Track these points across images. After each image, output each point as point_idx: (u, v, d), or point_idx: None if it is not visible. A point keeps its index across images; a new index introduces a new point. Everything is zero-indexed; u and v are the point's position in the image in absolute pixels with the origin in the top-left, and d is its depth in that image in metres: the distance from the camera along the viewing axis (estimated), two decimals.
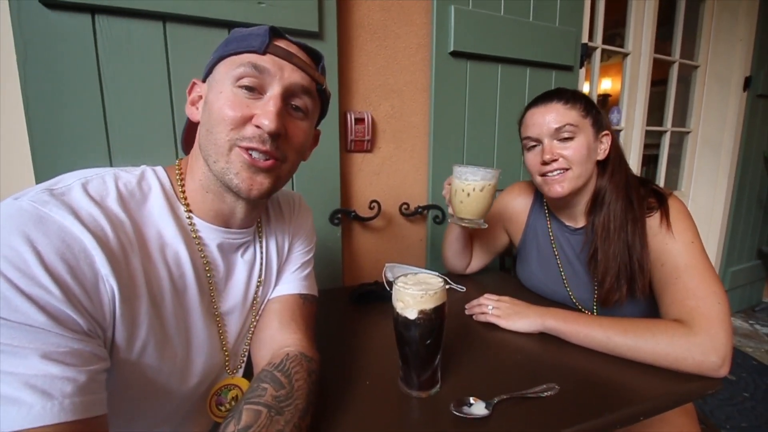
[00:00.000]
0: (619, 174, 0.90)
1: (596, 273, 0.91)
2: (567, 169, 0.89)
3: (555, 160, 0.89)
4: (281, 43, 0.56)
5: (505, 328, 0.87)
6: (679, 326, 0.72)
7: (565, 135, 0.88)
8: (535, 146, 0.94)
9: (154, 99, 1.00)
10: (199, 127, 0.58)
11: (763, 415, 1.68)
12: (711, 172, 2.45)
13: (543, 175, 0.92)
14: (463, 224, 0.92)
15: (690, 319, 0.72)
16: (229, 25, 1.02)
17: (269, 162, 0.54)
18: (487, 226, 0.92)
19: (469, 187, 0.87)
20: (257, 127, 0.52)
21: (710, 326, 0.70)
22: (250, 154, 0.53)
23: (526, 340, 0.83)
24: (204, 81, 0.59)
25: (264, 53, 0.53)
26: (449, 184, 0.97)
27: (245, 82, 0.53)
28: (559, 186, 0.89)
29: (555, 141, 0.89)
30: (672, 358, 0.70)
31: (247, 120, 0.53)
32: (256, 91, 0.53)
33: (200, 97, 0.59)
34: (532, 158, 0.94)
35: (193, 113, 0.60)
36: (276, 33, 0.56)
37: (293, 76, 0.55)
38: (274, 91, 0.54)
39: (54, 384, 0.36)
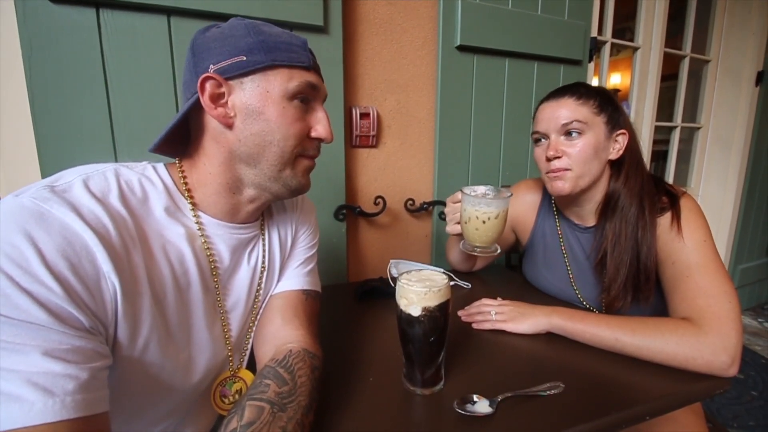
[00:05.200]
0: (634, 178, 0.88)
1: (603, 278, 0.90)
2: (568, 169, 0.87)
3: (558, 157, 0.87)
4: (311, 56, 0.59)
5: (512, 332, 0.84)
6: (689, 325, 0.71)
7: (572, 132, 0.86)
8: (542, 141, 0.92)
9: (159, 93, 0.99)
10: (236, 133, 0.55)
11: None
12: (721, 169, 2.41)
13: (547, 172, 0.91)
14: (476, 252, 0.87)
15: (700, 317, 0.71)
16: None
17: (315, 161, 0.64)
18: (499, 250, 0.88)
19: (485, 215, 0.82)
20: (316, 139, 0.60)
21: (721, 325, 0.69)
22: (311, 160, 0.62)
23: (531, 338, 0.83)
24: (227, 79, 0.53)
25: (310, 69, 0.58)
26: (453, 203, 0.92)
27: (302, 97, 0.57)
28: (561, 183, 0.88)
29: (561, 137, 0.88)
30: (681, 358, 0.69)
31: (307, 133, 0.59)
32: (305, 103, 0.58)
33: (221, 95, 0.53)
34: (539, 153, 0.93)
35: (224, 116, 0.54)
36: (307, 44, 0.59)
37: (324, 86, 0.62)
38: (319, 104, 0.61)
39: (55, 381, 0.35)
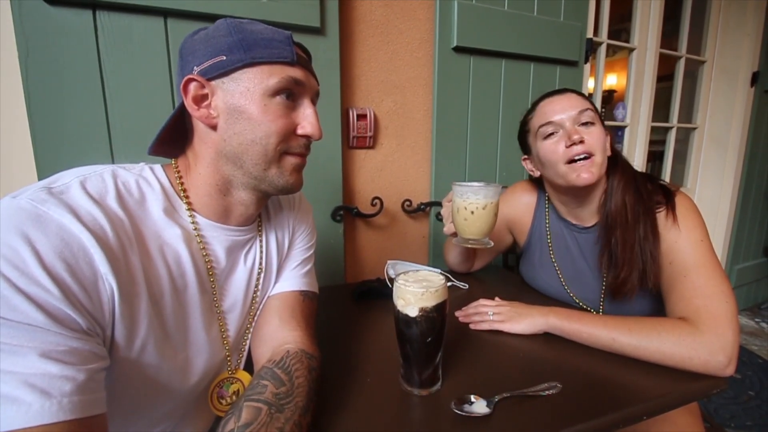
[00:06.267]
0: (627, 171, 0.90)
1: (610, 266, 0.89)
2: (592, 155, 0.85)
3: (582, 142, 0.85)
4: (298, 50, 0.58)
5: (509, 332, 0.84)
6: (686, 325, 0.71)
7: (587, 119, 0.87)
8: (553, 134, 0.89)
9: (156, 95, 0.99)
10: (221, 133, 0.55)
11: None
12: (717, 169, 2.42)
13: (569, 162, 0.87)
14: (469, 245, 0.88)
15: (697, 317, 0.71)
16: None
17: (305, 159, 0.62)
18: (492, 244, 0.88)
19: (472, 206, 0.83)
20: (303, 136, 0.58)
21: (717, 325, 0.69)
22: (299, 157, 0.60)
23: (528, 338, 0.83)
24: (209, 80, 0.53)
25: (294, 64, 0.56)
26: (449, 202, 0.92)
27: (285, 93, 0.55)
28: (587, 173, 0.84)
29: (577, 126, 0.87)
30: (678, 358, 0.69)
31: (293, 130, 0.57)
32: (291, 99, 0.56)
33: (204, 96, 0.54)
34: (552, 146, 0.89)
35: (207, 117, 0.54)
36: (293, 39, 0.57)
37: (314, 83, 0.61)
38: (307, 100, 0.59)
39: (53, 383, 0.35)
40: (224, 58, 0.52)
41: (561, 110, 0.88)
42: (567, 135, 0.86)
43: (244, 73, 0.53)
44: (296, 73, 0.56)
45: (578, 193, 0.93)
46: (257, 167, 0.56)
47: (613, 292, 0.89)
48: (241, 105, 0.53)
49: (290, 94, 0.56)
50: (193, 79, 0.53)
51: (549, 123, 0.89)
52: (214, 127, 0.55)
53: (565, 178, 0.89)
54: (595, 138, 0.85)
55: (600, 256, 0.92)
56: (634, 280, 0.85)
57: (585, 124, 0.87)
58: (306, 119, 0.58)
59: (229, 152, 0.55)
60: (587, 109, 0.87)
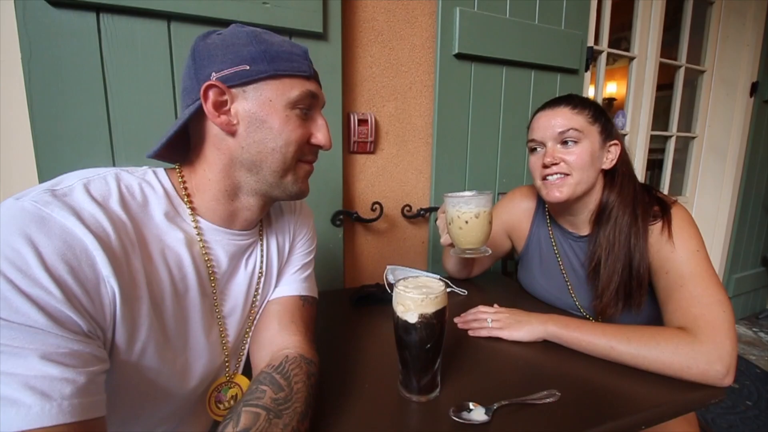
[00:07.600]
0: (627, 188, 0.89)
1: (596, 285, 0.91)
2: (567, 175, 0.88)
3: (556, 164, 0.88)
4: (311, 65, 0.61)
5: (508, 340, 0.84)
6: (684, 334, 0.71)
7: (569, 139, 0.87)
8: (538, 150, 0.93)
9: (158, 98, 1.00)
10: (239, 140, 0.55)
11: (767, 424, 1.66)
12: (716, 178, 2.43)
13: (543, 178, 0.92)
14: (466, 255, 0.87)
15: (694, 327, 0.71)
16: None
17: (313, 166, 0.65)
18: (490, 252, 0.88)
19: (465, 215, 0.83)
20: (315, 145, 0.62)
21: (715, 335, 0.69)
22: (310, 165, 0.63)
23: (527, 346, 0.83)
24: (230, 87, 0.53)
25: (311, 78, 0.59)
26: (443, 213, 0.92)
27: (302, 105, 0.58)
28: (557, 191, 0.89)
29: (558, 145, 0.89)
30: (676, 367, 0.69)
31: (307, 140, 0.60)
32: (305, 111, 0.59)
33: (223, 102, 0.54)
34: (535, 161, 0.94)
35: (227, 123, 0.54)
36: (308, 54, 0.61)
37: (323, 95, 0.64)
38: (318, 110, 0.62)
39: (53, 385, 0.35)
40: (248, 67, 0.53)
41: (544, 128, 0.90)
42: (545, 154, 0.90)
43: (267, 83, 0.55)
44: (312, 86, 0.59)
45: (560, 206, 0.95)
46: (275, 174, 0.58)
47: (599, 312, 0.91)
48: (263, 115, 0.55)
49: (307, 106, 0.58)
50: (213, 85, 0.53)
51: (533, 140, 0.93)
52: (233, 134, 0.55)
53: (540, 192, 0.94)
54: (574, 157, 0.87)
55: (589, 272, 0.93)
56: (619, 306, 0.87)
57: (567, 143, 0.88)
58: (320, 130, 0.61)
59: (246, 159, 0.56)
60: (570, 129, 0.86)
